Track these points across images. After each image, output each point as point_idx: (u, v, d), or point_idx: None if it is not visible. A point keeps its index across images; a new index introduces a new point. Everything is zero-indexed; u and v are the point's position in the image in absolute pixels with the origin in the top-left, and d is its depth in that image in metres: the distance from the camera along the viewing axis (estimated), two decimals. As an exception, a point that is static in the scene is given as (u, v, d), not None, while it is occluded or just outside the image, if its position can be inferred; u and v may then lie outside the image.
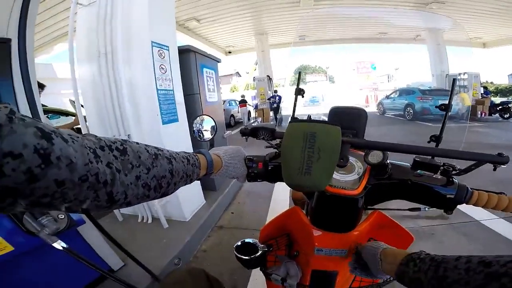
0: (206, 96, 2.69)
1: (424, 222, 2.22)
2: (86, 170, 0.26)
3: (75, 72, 1.85)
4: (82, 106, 2.03)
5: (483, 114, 9.38)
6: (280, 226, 0.72)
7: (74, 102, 2.46)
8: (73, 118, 2.76)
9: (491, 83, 27.22)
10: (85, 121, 2.03)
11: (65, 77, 1.90)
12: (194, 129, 0.77)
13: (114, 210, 2.20)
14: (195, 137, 0.77)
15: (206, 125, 0.77)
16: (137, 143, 0.38)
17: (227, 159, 0.59)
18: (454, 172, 0.52)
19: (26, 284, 1.14)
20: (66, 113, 3.16)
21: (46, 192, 0.23)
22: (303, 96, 0.87)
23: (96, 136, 0.32)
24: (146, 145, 0.39)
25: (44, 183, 0.22)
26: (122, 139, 0.35)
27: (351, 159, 0.63)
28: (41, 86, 2.46)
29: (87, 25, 1.85)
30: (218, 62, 3.08)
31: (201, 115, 0.78)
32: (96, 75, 1.85)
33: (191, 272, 0.68)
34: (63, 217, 1.04)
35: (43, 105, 2.51)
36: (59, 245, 0.96)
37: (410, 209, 0.68)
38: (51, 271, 1.22)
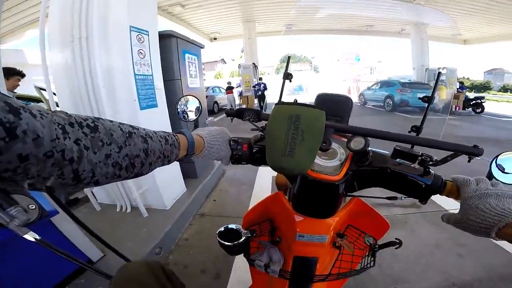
0: (187, 81, 2.62)
1: (398, 210, 2.33)
2: (53, 146, 0.25)
3: (46, 58, 1.75)
4: (54, 94, 1.91)
5: (457, 108, 9.88)
6: (263, 212, 0.72)
7: (39, 88, 2.37)
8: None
9: (467, 79, 28.56)
10: (57, 107, 1.92)
11: (37, 63, 1.80)
12: (178, 110, 0.73)
13: (91, 199, 2.12)
14: (180, 118, 0.73)
15: (191, 105, 0.73)
16: (111, 121, 0.36)
17: (209, 140, 0.57)
18: (431, 162, 0.53)
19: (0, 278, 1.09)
20: (37, 100, 3.00)
21: (7, 167, 0.22)
22: (290, 81, 0.86)
23: (66, 113, 0.30)
24: (120, 123, 0.37)
25: (7, 157, 0.22)
26: (95, 117, 0.33)
27: (334, 145, 0.63)
28: (21, 74, 2.48)
29: (60, 10, 1.71)
30: (202, 48, 2.98)
31: (185, 96, 0.74)
32: (69, 60, 1.74)
33: (147, 265, 0.63)
34: (34, 207, 0.97)
35: (13, 92, 2.48)
36: (31, 236, 0.90)
37: (388, 198, 0.70)
38: (27, 265, 1.17)
